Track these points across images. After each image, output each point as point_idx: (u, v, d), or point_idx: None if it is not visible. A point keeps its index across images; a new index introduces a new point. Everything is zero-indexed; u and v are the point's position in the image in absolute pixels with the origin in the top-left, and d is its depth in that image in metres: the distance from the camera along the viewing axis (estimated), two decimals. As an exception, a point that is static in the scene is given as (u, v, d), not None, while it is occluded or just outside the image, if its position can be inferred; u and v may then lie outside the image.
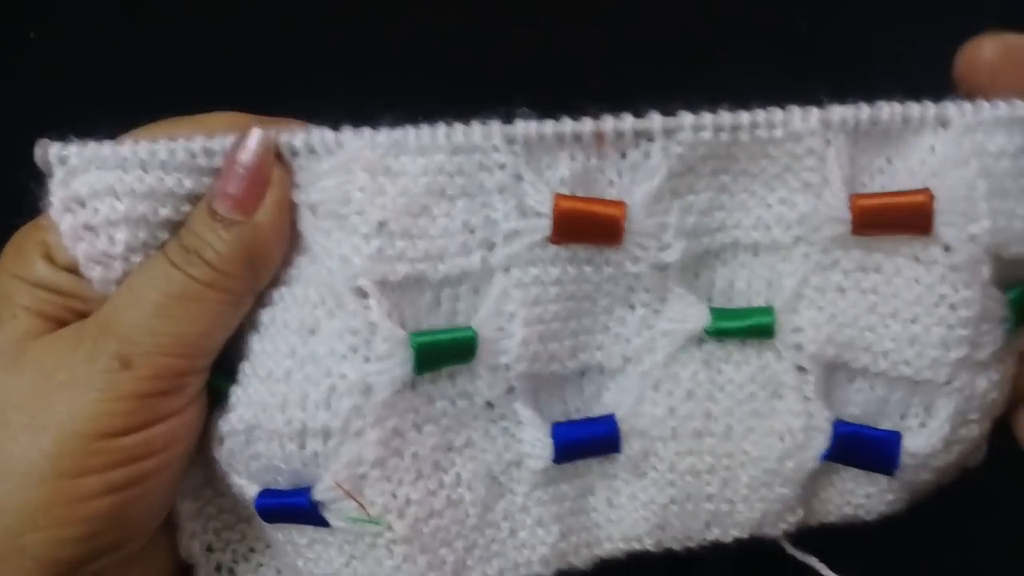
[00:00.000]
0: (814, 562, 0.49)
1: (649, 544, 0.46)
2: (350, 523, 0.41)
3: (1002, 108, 0.40)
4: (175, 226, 0.40)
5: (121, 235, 0.39)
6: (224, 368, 0.42)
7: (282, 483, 0.42)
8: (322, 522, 0.42)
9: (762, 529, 0.46)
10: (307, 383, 0.40)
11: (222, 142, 0.39)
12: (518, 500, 0.44)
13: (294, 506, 0.42)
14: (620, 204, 0.41)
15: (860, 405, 0.44)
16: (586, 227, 0.41)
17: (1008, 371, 0.44)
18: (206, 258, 0.39)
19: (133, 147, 0.39)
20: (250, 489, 0.43)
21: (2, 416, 0.38)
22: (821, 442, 0.44)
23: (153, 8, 0.54)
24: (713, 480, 0.44)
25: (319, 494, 0.41)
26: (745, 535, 0.46)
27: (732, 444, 0.44)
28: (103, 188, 0.39)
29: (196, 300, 0.39)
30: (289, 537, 0.44)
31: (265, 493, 0.42)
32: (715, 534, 0.46)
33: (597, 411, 0.45)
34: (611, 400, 0.45)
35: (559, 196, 0.40)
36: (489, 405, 0.43)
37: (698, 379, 0.44)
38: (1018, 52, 0.40)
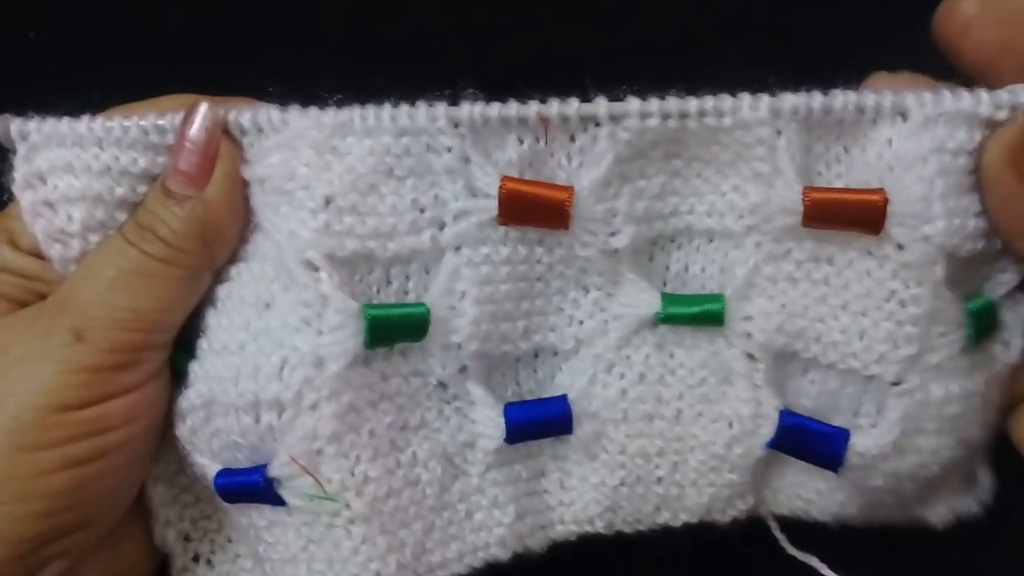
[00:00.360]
0: (814, 561, 0.48)
1: (600, 526, 0.46)
2: (306, 500, 0.41)
3: (965, 100, 0.39)
4: (132, 207, 0.41)
5: (78, 212, 0.40)
6: (187, 348, 0.43)
7: (242, 460, 0.43)
8: (278, 500, 0.42)
9: (711, 515, 0.46)
10: (260, 355, 0.41)
11: (172, 119, 0.40)
12: (473, 481, 0.44)
13: (250, 484, 0.42)
14: (567, 189, 0.40)
15: (812, 398, 0.44)
16: (532, 210, 0.41)
17: (991, 393, 0.43)
18: (160, 235, 0.40)
19: (90, 123, 0.40)
20: (211, 468, 0.43)
21: None
22: (768, 430, 0.43)
23: (153, 8, 0.54)
24: (663, 463, 0.45)
25: (274, 470, 0.41)
26: (694, 520, 0.46)
27: (682, 428, 0.44)
28: (62, 164, 0.40)
29: (151, 276, 0.40)
30: (250, 520, 0.44)
31: (223, 472, 0.43)
32: (665, 518, 0.46)
33: (550, 392, 0.45)
34: (564, 382, 0.45)
35: (505, 178, 0.40)
36: (442, 385, 0.44)
37: (650, 363, 0.44)
38: (994, 4, 0.39)
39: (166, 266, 0.40)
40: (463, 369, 0.43)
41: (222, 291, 0.42)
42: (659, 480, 0.45)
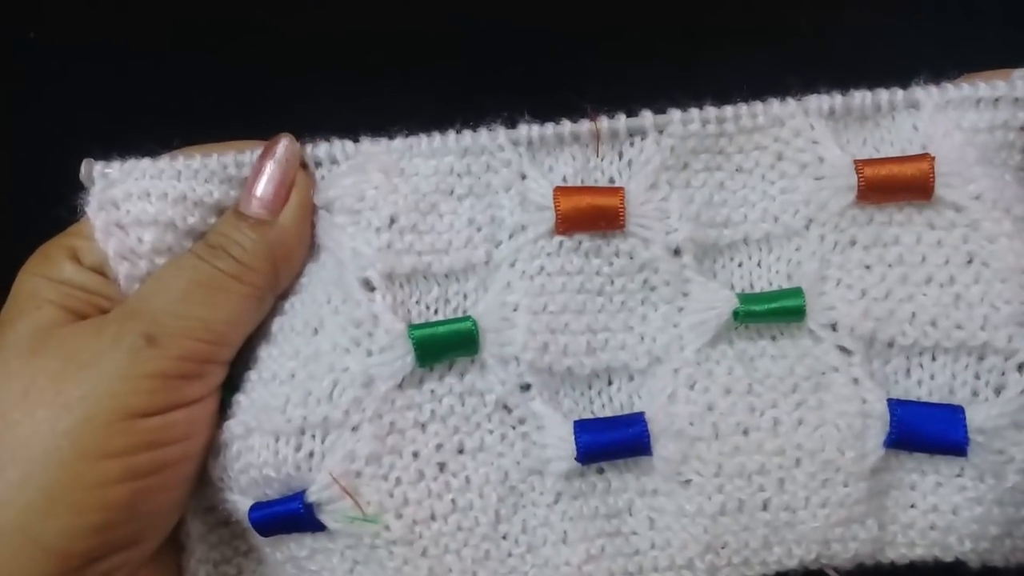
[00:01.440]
0: None
1: (701, 570, 0.40)
2: (347, 523, 0.40)
3: (966, 89, 0.43)
4: (201, 236, 0.43)
5: (148, 235, 0.42)
6: (231, 383, 0.42)
7: (271, 495, 0.41)
8: (318, 526, 0.40)
9: (830, 547, 0.40)
10: (310, 380, 0.40)
11: (251, 155, 0.43)
12: (539, 513, 0.41)
13: (289, 513, 0.40)
14: (618, 189, 0.42)
15: (925, 392, 0.41)
16: (588, 214, 0.42)
17: None
18: (232, 253, 0.41)
19: (169, 161, 0.43)
20: (243, 503, 0.41)
21: (23, 398, 0.38)
22: (880, 428, 0.39)
23: (153, 8, 0.56)
24: (767, 482, 0.40)
25: (313, 495, 0.40)
26: (811, 556, 0.40)
27: (782, 439, 0.40)
28: (137, 192, 0.42)
29: (221, 289, 0.40)
30: (289, 553, 0.41)
31: (257, 506, 0.41)
32: (777, 555, 0.40)
33: (629, 412, 0.42)
34: (643, 405, 0.42)
35: (559, 188, 0.42)
36: (506, 409, 0.41)
37: (735, 374, 0.41)
38: None
39: (236, 282, 0.41)
40: (525, 387, 0.41)
41: (275, 324, 0.43)
42: (765, 504, 0.40)
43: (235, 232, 0.42)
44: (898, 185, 0.41)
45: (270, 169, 0.42)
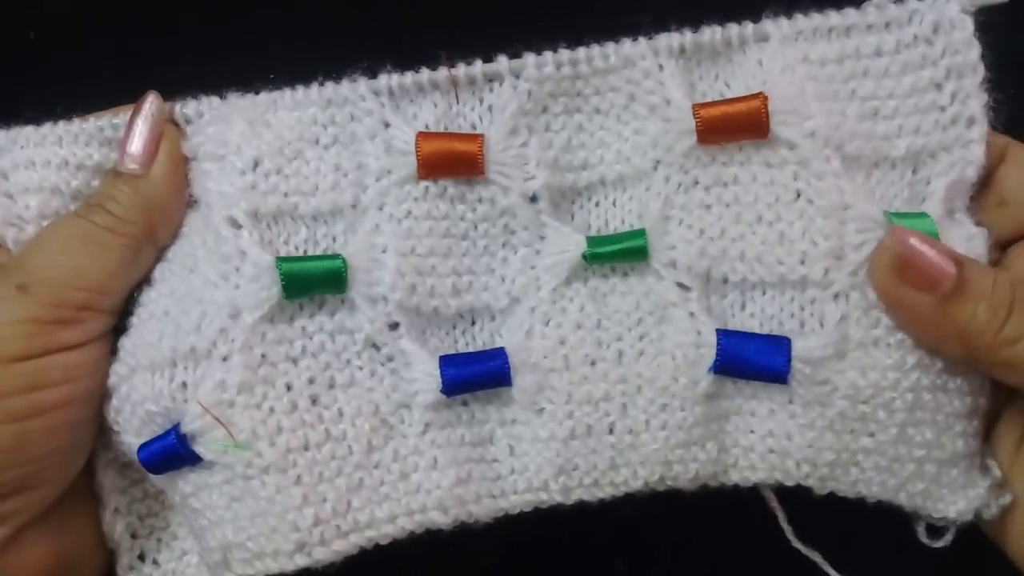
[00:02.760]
0: (817, 557, 0.47)
1: (556, 491, 0.44)
2: (219, 451, 0.42)
3: (816, 19, 0.44)
4: (85, 198, 0.45)
5: (34, 201, 0.44)
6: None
7: (158, 431, 0.43)
8: (194, 458, 0.42)
9: (672, 469, 0.43)
10: (182, 315, 0.43)
11: (125, 116, 0.45)
12: (409, 442, 0.44)
13: (167, 447, 0.42)
14: (478, 136, 0.44)
15: (756, 326, 0.44)
16: (448, 159, 0.44)
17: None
18: (108, 208, 0.43)
19: (51, 126, 0.45)
20: (135, 445, 0.43)
21: None
22: (711, 357, 0.43)
23: (153, 8, 0.58)
24: (611, 407, 0.43)
25: (186, 426, 0.42)
26: (654, 478, 0.43)
27: (625, 368, 0.43)
28: (23, 161, 0.45)
29: (95, 242, 0.43)
30: (179, 491, 0.44)
31: (143, 445, 0.43)
32: (623, 476, 0.43)
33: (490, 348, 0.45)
34: (503, 342, 0.45)
35: (420, 134, 0.44)
36: (374, 347, 0.44)
37: (586, 311, 0.44)
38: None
39: (110, 234, 0.43)
40: (393, 326, 0.44)
41: (156, 271, 0.45)
42: (611, 428, 0.43)
43: (111, 189, 0.44)
44: (734, 125, 0.43)
45: (139, 126, 0.44)
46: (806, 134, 0.42)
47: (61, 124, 0.45)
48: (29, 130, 0.45)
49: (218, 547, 0.43)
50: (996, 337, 0.39)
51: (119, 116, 0.45)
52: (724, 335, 0.43)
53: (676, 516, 0.49)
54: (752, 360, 0.43)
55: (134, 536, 0.47)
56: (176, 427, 0.42)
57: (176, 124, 0.45)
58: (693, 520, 0.49)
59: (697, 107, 0.43)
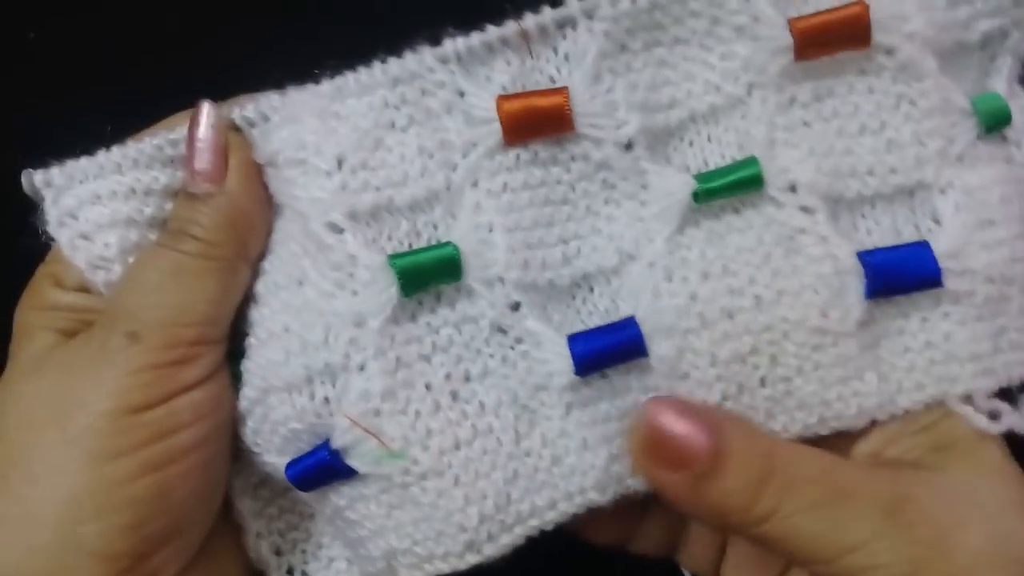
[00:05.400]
0: None
1: None
2: (375, 463, 0.41)
3: None
4: (163, 223, 0.43)
5: (113, 237, 0.42)
6: (240, 354, 0.43)
7: (305, 449, 0.42)
8: (348, 471, 0.42)
9: (832, 407, 0.41)
10: (304, 330, 0.41)
11: (183, 131, 0.42)
12: (555, 425, 0.42)
13: (319, 463, 0.42)
14: (562, 89, 0.41)
15: (876, 239, 0.42)
16: (534, 119, 0.41)
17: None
18: (193, 234, 0.41)
19: (106, 154, 0.42)
20: (281, 464, 0.43)
21: (29, 418, 0.40)
22: (857, 281, 0.41)
23: (153, 8, 0.56)
24: (760, 361, 0.41)
25: (337, 440, 0.41)
26: (814, 419, 0.42)
27: (766, 314, 0.41)
28: (88, 197, 0.42)
29: (191, 272, 0.41)
30: (332, 505, 0.43)
31: (291, 463, 0.42)
32: (781, 422, 0.42)
33: (614, 319, 0.43)
34: (627, 305, 0.43)
35: (500, 97, 0.41)
36: (501, 331, 0.42)
37: (708, 257, 0.42)
38: None
39: (204, 260, 0.41)
40: (515, 307, 0.42)
41: (259, 286, 0.43)
42: (762, 381, 0.41)
43: (190, 212, 0.42)
44: (835, 36, 0.40)
45: (201, 141, 0.41)
46: (906, 36, 0.40)
47: (116, 150, 0.42)
48: (84, 162, 0.42)
49: (381, 555, 0.43)
50: (748, 515, 0.38)
51: (175, 131, 0.42)
52: (866, 256, 0.41)
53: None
54: (904, 272, 0.41)
55: (279, 553, 0.47)
56: (326, 443, 0.41)
57: (237, 128, 0.42)
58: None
59: (792, 21, 0.40)
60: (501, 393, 0.42)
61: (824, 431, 0.42)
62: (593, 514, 0.43)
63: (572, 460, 0.42)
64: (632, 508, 0.46)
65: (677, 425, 0.39)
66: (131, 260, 0.42)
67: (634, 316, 0.42)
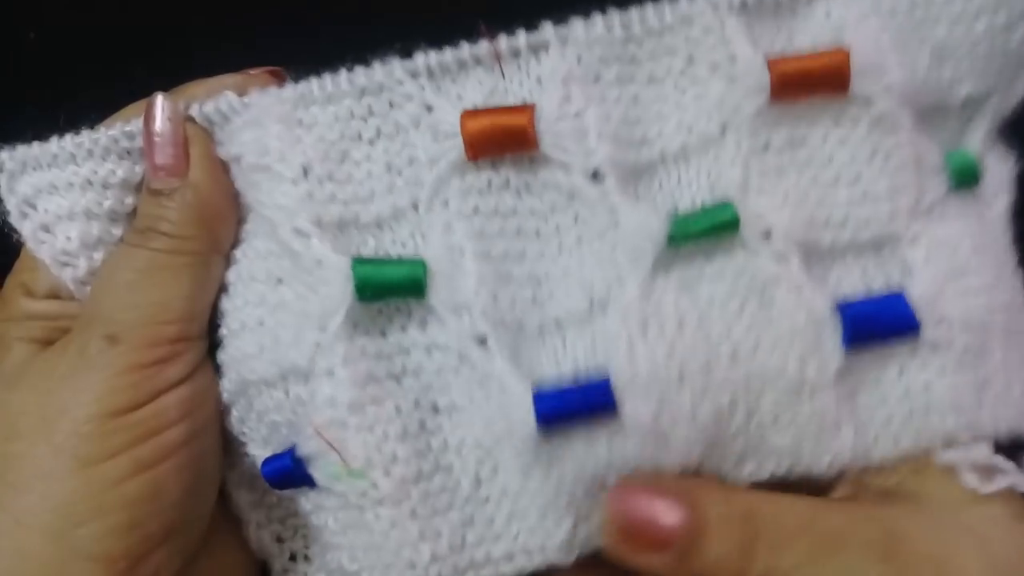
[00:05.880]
0: None
1: None
2: (334, 479, 0.39)
3: None
4: (125, 219, 0.42)
5: (73, 231, 0.41)
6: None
7: (287, 444, 0.42)
8: (310, 481, 0.40)
9: (802, 459, 0.40)
10: (279, 327, 0.40)
11: (138, 124, 0.41)
12: (517, 479, 0.39)
13: (284, 469, 0.41)
14: (528, 107, 0.40)
15: (846, 293, 0.41)
16: (496, 134, 0.39)
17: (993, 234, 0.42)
18: (162, 230, 0.40)
19: (60, 142, 0.41)
20: (261, 456, 0.42)
21: (13, 429, 0.39)
22: (832, 332, 0.39)
23: (153, 8, 0.56)
24: (737, 415, 0.39)
25: (302, 448, 0.40)
26: (782, 470, 0.40)
27: (744, 367, 0.39)
28: (44, 186, 0.41)
29: (164, 269, 0.40)
30: (303, 507, 0.43)
31: (267, 460, 0.42)
32: (749, 469, 0.40)
33: (590, 366, 0.40)
34: (601, 356, 0.40)
35: (465, 112, 0.40)
36: (469, 365, 0.40)
37: (682, 306, 0.39)
38: None
39: (176, 256, 0.40)
40: (483, 341, 0.39)
41: (231, 275, 0.42)
42: (736, 434, 0.39)
43: (156, 208, 0.41)
44: (813, 81, 0.39)
45: (158, 135, 0.41)
46: (885, 89, 0.40)
47: (69, 138, 0.41)
48: (36, 148, 0.41)
49: (337, 568, 0.42)
50: None
51: (130, 123, 0.42)
52: (844, 307, 0.40)
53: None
54: (881, 321, 0.40)
55: (280, 540, 0.46)
56: (293, 449, 0.41)
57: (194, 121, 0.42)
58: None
59: (772, 61, 0.39)
60: (466, 433, 0.40)
61: (792, 476, 0.41)
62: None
63: (533, 520, 0.40)
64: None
65: (647, 509, 0.37)
66: (95, 255, 0.42)
67: (608, 373, 0.39)
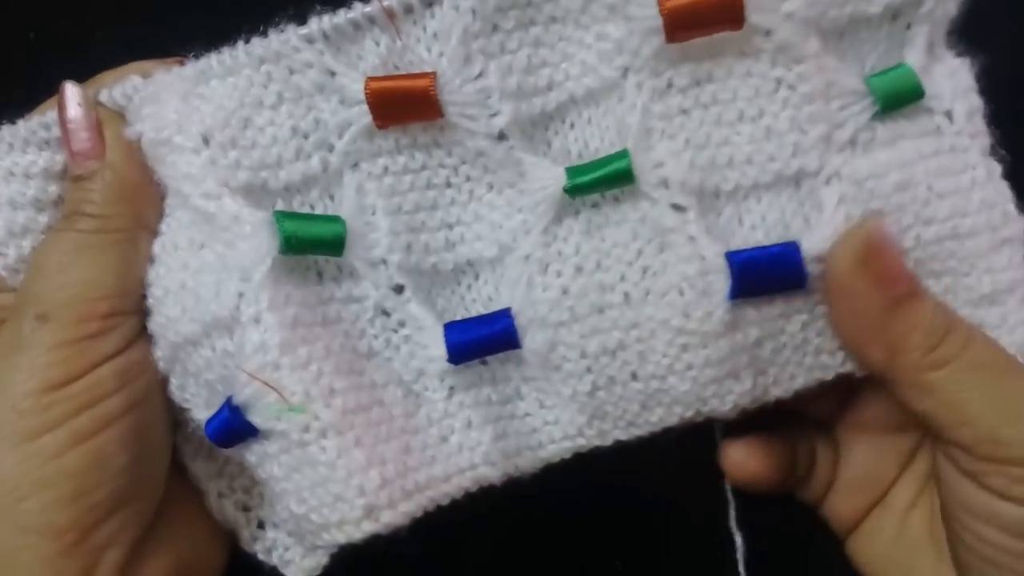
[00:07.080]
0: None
1: (592, 436, 0.43)
2: (274, 417, 0.40)
3: None
4: (51, 207, 0.43)
5: (0, 219, 0.43)
6: None
7: (222, 402, 0.42)
8: (252, 429, 0.41)
9: (708, 403, 0.41)
10: (200, 287, 0.41)
11: (52, 115, 0.42)
12: (439, 407, 0.43)
13: (224, 421, 0.41)
14: (429, 73, 0.40)
15: (761, 234, 0.41)
16: (401, 103, 0.40)
17: (940, 161, 0.41)
18: (87, 212, 0.41)
19: None
20: (203, 419, 0.42)
21: None
22: (722, 282, 0.40)
23: (153, 8, 0.56)
24: (629, 356, 0.41)
25: (238, 397, 0.40)
26: (690, 413, 0.42)
27: (634, 311, 0.41)
28: None
29: (92, 248, 0.41)
30: (250, 463, 0.43)
31: (208, 421, 0.42)
32: (658, 415, 0.42)
33: (495, 307, 0.43)
34: (506, 293, 0.43)
35: (368, 78, 0.40)
36: (384, 313, 0.42)
37: (583, 251, 0.41)
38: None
39: (102, 235, 0.41)
40: (400, 290, 0.42)
41: (156, 247, 0.43)
42: (633, 375, 0.41)
43: (80, 193, 0.42)
44: (706, 18, 0.38)
45: (72, 122, 0.41)
46: (784, 18, 0.38)
47: None
48: None
49: (289, 518, 0.43)
50: (924, 357, 0.38)
51: (46, 115, 0.42)
52: (733, 256, 0.40)
53: (676, 516, 0.49)
54: (769, 274, 0.40)
55: (246, 509, 0.47)
56: (229, 400, 0.41)
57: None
58: (693, 520, 0.47)
59: (661, 0, 0.38)
60: (388, 374, 0.42)
61: (700, 420, 0.42)
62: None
63: (457, 439, 0.43)
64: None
65: (895, 248, 0.39)
66: (23, 243, 0.43)
67: (509, 308, 0.42)
